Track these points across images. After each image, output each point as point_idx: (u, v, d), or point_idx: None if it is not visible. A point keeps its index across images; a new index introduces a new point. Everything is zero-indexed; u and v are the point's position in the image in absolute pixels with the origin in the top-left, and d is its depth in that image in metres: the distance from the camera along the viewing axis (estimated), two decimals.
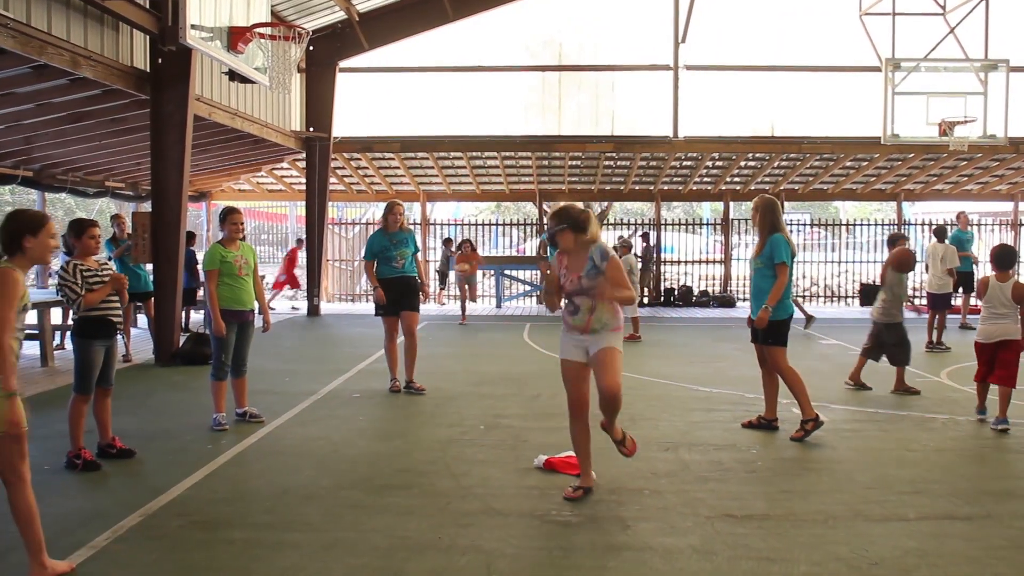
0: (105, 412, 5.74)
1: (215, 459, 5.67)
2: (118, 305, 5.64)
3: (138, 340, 11.76)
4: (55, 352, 10.06)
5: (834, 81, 16.03)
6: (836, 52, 15.67)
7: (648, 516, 4.56)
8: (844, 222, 21.92)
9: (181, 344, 9.97)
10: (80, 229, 5.53)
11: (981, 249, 18.66)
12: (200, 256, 10.55)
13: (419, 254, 8.33)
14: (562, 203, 4.99)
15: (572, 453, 5.26)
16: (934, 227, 13.17)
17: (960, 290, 13.26)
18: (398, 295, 7.85)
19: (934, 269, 11.89)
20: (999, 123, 14.52)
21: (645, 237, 18.18)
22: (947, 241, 12.35)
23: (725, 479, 5.26)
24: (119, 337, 5.70)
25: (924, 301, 12.85)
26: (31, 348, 10.04)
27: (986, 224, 20.63)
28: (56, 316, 10.75)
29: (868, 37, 15.20)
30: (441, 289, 18.89)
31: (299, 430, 6.58)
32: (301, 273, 17.29)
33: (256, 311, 6.88)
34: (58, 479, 5.24)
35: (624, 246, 13.20)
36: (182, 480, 5.16)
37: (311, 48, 14.55)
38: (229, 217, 6.70)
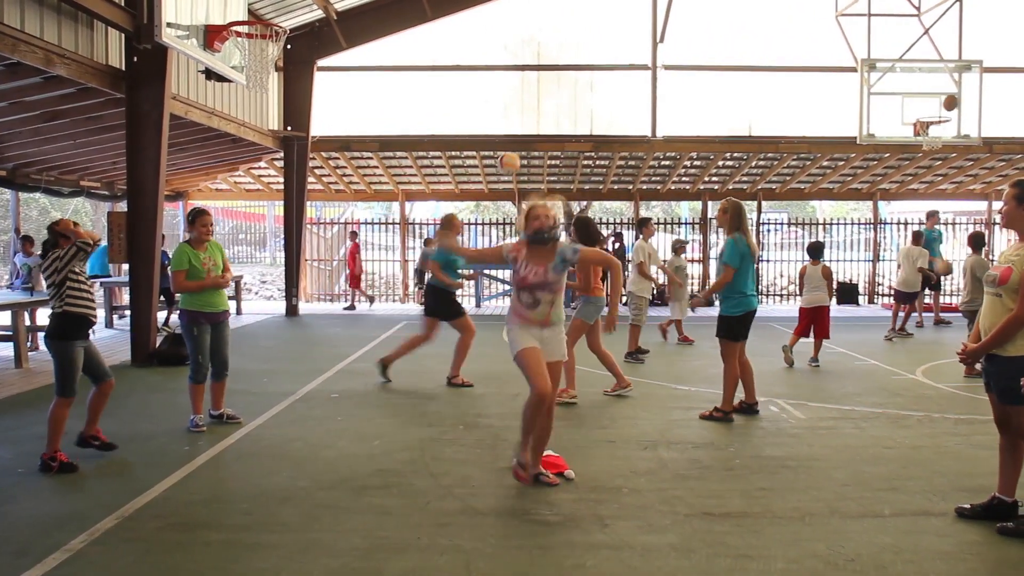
0: (102, 404, 5.77)
1: (192, 460, 5.63)
2: (93, 304, 5.61)
3: (116, 341, 11.65)
4: (29, 353, 9.94)
5: (811, 81, 16.13)
6: (813, 53, 15.78)
7: (627, 514, 4.58)
8: (821, 221, 22.03)
9: (158, 344, 9.89)
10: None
11: (956, 248, 18.95)
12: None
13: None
14: (552, 203, 5.00)
15: (551, 452, 5.29)
16: (912, 231, 13.80)
17: (926, 288, 13.73)
18: None
19: (906, 268, 12.79)
20: (973, 123, 14.70)
21: (619, 237, 18.17)
22: (921, 244, 13.15)
23: (703, 477, 5.30)
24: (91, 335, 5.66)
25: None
26: (5, 350, 9.92)
27: (961, 223, 20.89)
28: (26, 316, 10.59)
29: (844, 38, 15.34)
30: (420, 288, 18.83)
31: (277, 431, 6.55)
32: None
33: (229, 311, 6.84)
34: (33, 481, 5.19)
35: (678, 247, 12.55)
36: (159, 482, 5.12)
37: (289, 47, 14.47)
38: (199, 219, 6.64)
